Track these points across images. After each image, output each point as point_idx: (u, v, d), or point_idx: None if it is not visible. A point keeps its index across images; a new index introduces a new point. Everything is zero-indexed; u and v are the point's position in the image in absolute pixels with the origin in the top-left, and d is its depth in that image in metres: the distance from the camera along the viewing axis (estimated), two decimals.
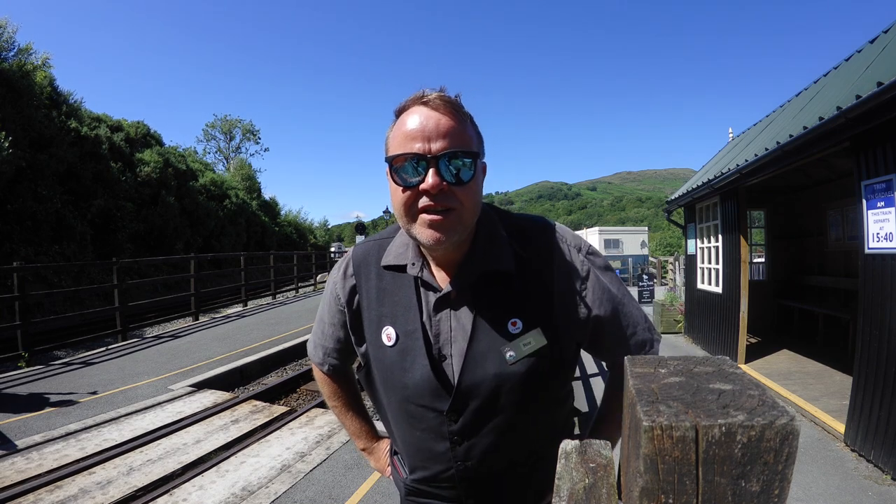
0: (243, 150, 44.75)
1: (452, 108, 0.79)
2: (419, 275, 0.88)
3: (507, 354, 0.83)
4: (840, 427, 3.78)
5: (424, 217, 0.79)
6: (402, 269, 0.90)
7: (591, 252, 0.92)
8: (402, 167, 0.78)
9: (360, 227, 27.51)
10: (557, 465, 0.47)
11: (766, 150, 4.58)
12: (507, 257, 0.86)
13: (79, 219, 14.97)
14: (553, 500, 0.44)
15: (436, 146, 0.77)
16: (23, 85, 13.75)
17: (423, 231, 0.79)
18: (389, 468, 1.10)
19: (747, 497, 0.34)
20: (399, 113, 0.83)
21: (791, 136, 4.10)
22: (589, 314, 0.88)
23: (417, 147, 0.77)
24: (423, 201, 0.78)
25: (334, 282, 1.00)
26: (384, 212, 30.20)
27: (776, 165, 4.65)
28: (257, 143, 45.81)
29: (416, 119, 0.78)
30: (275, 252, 16.22)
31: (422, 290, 0.89)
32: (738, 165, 5.26)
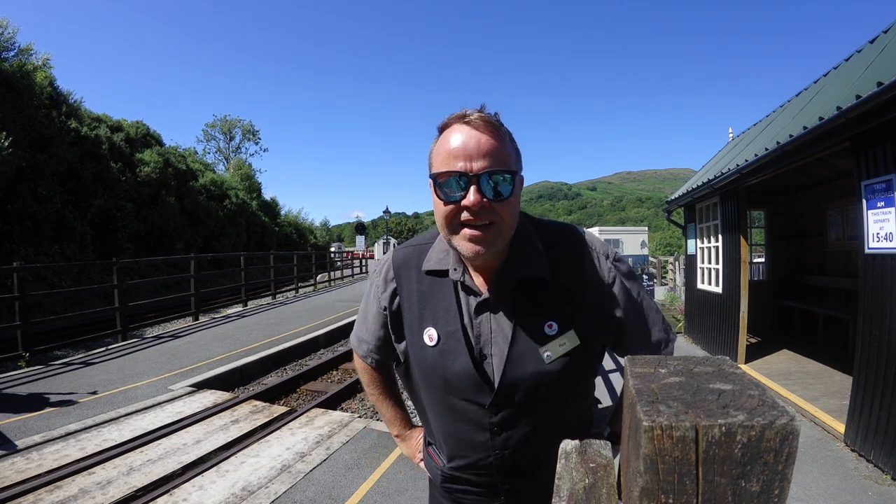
0: (243, 150, 44.77)
1: (492, 127, 0.84)
2: (461, 279, 0.94)
3: (545, 354, 0.90)
4: (840, 427, 3.78)
5: (466, 231, 0.85)
6: (442, 273, 0.97)
7: (617, 259, 0.99)
8: (446, 182, 0.84)
9: (360, 227, 27.48)
10: (557, 465, 0.47)
11: (766, 150, 4.58)
12: (542, 264, 0.92)
13: (79, 219, 14.94)
14: (553, 500, 0.44)
15: (477, 165, 0.82)
16: (23, 85, 13.73)
17: (463, 244, 0.86)
18: (420, 454, 1.18)
19: (747, 497, 0.34)
20: (442, 129, 0.88)
21: (791, 136, 4.10)
22: (614, 317, 0.96)
23: (460, 165, 0.83)
24: (465, 216, 0.84)
25: (376, 286, 1.07)
26: (384, 212, 30.21)
27: (776, 165, 4.65)
28: (257, 144, 45.84)
29: (458, 137, 0.84)
30: (275, 252, 16.18)
31: (461, 293, 0.95)
32: (738, 165, 5.26)
